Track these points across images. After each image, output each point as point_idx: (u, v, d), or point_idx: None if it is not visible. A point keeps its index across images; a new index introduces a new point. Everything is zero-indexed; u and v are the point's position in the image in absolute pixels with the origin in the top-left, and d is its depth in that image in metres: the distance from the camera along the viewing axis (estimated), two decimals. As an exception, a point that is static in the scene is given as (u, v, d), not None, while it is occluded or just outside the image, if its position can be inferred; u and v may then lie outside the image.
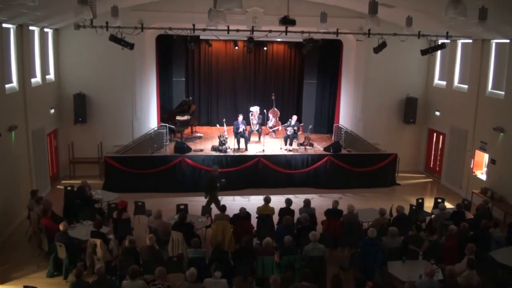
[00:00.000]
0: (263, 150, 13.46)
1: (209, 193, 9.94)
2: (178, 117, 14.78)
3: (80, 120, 13.34)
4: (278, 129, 15.70)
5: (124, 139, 13.50)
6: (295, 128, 13.88)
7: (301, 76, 17.52)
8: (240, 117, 14.05)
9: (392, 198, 12.12)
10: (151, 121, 14.41)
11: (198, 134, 15.60)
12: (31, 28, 10.87)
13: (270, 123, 15.96)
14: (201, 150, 13.48)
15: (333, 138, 15.38)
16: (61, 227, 7.67)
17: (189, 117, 14.99)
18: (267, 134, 15.66)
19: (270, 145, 14.35)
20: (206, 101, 17.60)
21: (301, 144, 13.94)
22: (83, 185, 9.82)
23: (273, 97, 16.10)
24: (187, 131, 15.53)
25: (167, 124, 14.28)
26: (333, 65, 16.02)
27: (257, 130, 14.82)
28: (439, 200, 10.31)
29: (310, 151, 13.65)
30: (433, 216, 9.53)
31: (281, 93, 17.77)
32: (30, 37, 10.88)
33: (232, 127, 13.75)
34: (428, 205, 10.75)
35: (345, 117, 15.38)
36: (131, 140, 13.57)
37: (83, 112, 13.33)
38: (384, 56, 12.96)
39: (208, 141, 14.94)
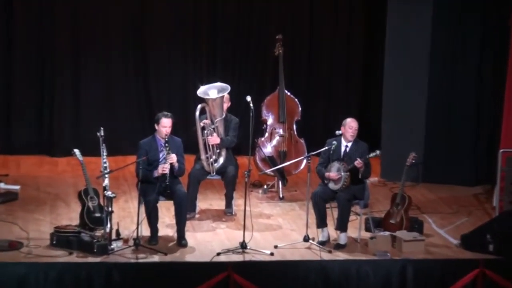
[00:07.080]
0: (243, 246, 11.38)
1: None
2: None
3: None
4: (296, 168, 14.30)
5: None
6: (361, 162, 11.57)
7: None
8: (166, 125, 11.95)
9: None
10: None
11: (6, 186, 14.62)
12: None
13: (268, 146, 14.24)
14: (12, 247, 11.67)
15: (494, 201, 13.73)
16: None
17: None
18: (257, 185, 14.19)
19: (266, 226, 12.82)
20: (33, 74, 16.29)
21: (376, 227, 11.98)
22: None
23: (279, 51, 14.35)
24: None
25: None
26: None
27: (223, 173, 12.87)
28: None
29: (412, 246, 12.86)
30: None
31: (308, 42, 16.24)
32: None
33: (134, 159, 12.22)
34: None
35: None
36: None
37: None
38: None
39: (39, 210, 13.46)
